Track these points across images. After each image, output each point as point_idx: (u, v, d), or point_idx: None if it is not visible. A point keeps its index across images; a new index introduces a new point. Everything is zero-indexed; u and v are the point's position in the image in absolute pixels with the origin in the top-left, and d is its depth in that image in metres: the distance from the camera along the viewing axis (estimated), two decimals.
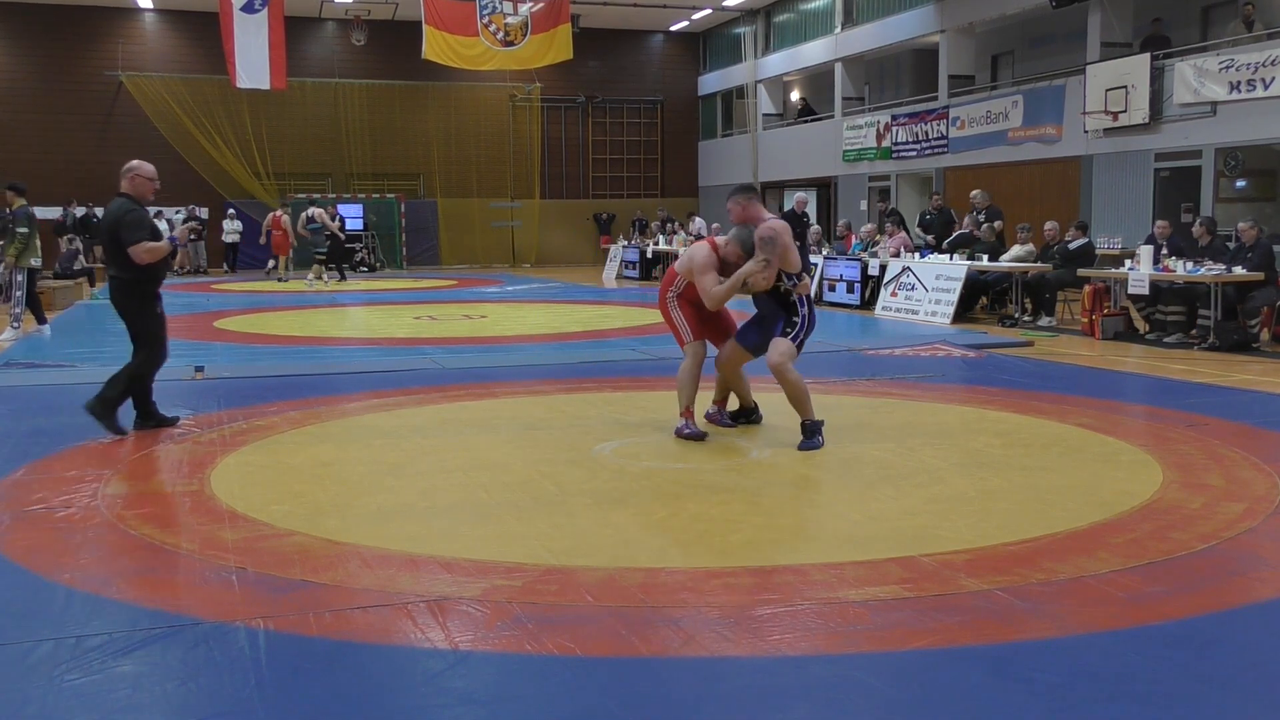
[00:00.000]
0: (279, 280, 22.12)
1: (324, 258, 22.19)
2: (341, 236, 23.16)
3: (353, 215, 27.98)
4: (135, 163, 7.23)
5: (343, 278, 22.90)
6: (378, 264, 28.45)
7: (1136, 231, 16.81)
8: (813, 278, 16.14)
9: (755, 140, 29.02)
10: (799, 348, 6.61)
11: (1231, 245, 12.14)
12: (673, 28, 31.52)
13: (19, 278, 12.51)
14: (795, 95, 29.38)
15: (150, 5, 27.30)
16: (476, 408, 8.02)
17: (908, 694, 3.22)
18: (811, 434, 6.52)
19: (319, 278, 21.90)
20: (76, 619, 3.80)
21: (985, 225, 15.39)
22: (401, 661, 3.46)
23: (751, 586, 4.11)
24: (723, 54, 31.37)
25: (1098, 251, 14.68)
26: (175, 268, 27.17)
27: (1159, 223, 13.28)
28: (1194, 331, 11.71)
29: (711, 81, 32.02)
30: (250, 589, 4.10)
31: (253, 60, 21.66)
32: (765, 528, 4.91)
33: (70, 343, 12.32)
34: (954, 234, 16.08)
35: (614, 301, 18.59)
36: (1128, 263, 12.97)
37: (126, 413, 7.18)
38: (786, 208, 19.21)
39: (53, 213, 24.49)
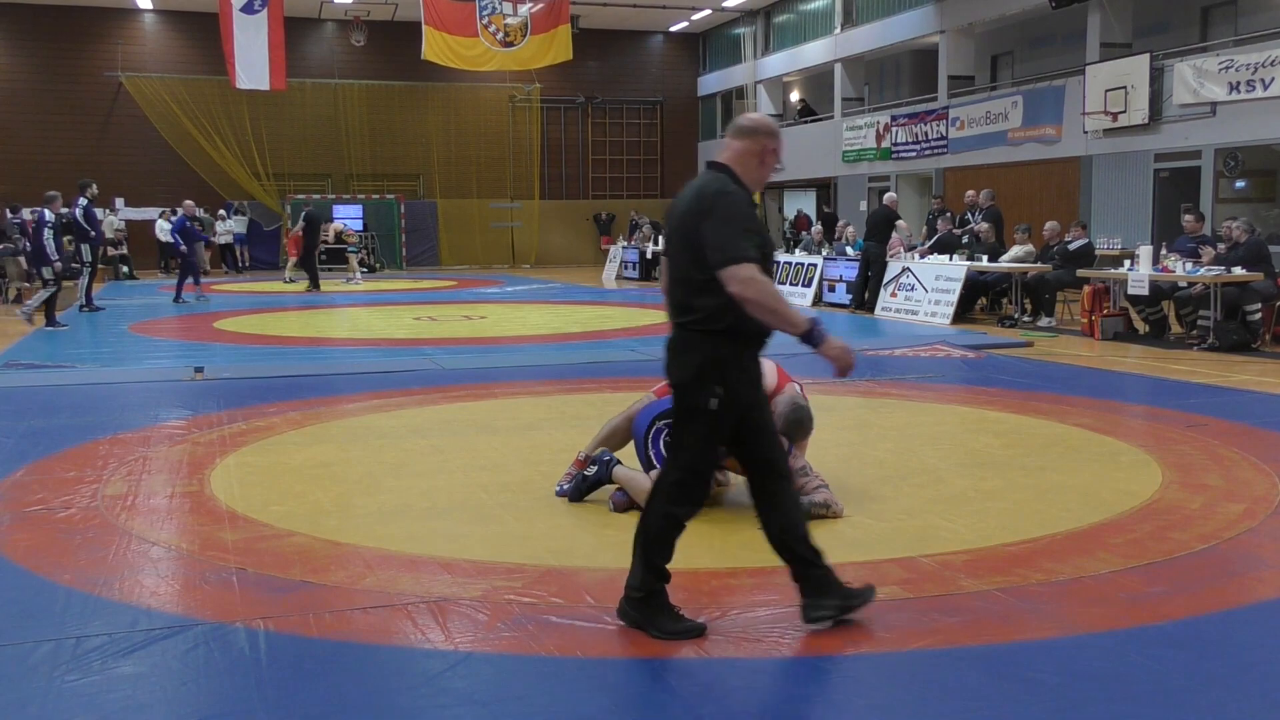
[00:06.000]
0: (287, 281, 22.25)
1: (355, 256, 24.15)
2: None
3: (352, 216, 28.00)
4: (749, 121, 3.72)
5: (316, 287, 20.93)
6: (377, 265, 28.43)
7: (1136, 232, 16.82)
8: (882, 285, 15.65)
9: None
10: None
11: (1221, 245, 12.12)
12: (672, 28, 31.52)
13: None
14: (795, 96, 29.38)
15: (150, 5, 27.30)
16: (476, 408, 8.02)
17: (908, 694, 3.22)
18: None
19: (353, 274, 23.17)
20: (76, 619, 3.80)
21: (986, 226, 15.34)
22: (401, 662, 3.46)
23: (751, 586, 4.12)
24: (722, 54, 31.36)
25: (1097, 252, 14.66)
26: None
27: (1187, 218, 13.02)
28: (1194, 331, 11.71)
29: (711, 82, 32.01)
30: (250, 589, 4.10)
31: (252, 61, 21.64)
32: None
33: (71, 343, 12.34)
34: (943, 234, 15.94)
35: (614, 302, 18.57)
36: (1127, 263, 12.95)
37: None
38: (875, 207, 17.64)
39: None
